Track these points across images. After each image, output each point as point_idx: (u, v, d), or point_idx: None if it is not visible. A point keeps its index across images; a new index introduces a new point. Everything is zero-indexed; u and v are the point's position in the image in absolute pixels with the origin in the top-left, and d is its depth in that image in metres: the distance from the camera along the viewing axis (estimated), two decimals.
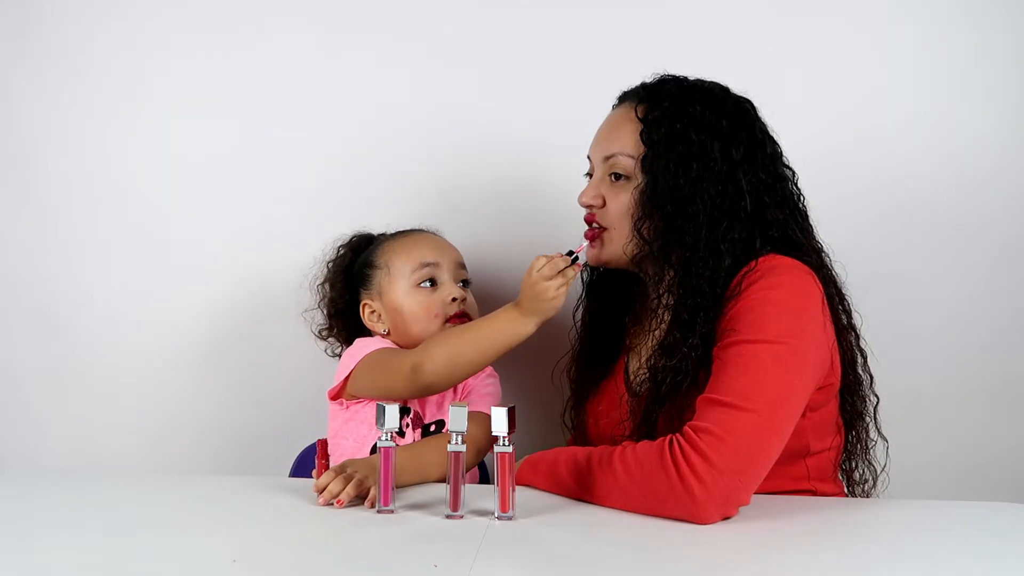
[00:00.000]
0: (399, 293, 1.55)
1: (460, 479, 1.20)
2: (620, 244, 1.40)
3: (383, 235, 1.66)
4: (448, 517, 1.20)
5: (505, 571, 1.04)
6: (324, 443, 1.42)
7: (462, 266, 1.59)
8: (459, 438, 1.20)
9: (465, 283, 1.59)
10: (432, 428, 1.52)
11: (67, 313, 1.91)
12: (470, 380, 1.55)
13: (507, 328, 1.39)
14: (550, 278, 1.35)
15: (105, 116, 1.90)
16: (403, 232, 1.63)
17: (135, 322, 1.90)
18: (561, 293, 1.36)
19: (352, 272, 1.63)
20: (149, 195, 1.90)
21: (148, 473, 1.83)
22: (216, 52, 1.88)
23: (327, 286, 1.65)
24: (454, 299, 1.54)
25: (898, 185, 1.81)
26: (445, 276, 1.56)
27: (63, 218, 1.91)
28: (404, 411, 1.50)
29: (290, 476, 1.69)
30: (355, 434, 1.50)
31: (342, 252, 1.66)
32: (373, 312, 1.58)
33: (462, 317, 1.54)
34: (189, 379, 1.91)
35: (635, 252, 1.38)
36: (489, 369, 1.58)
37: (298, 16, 1.87)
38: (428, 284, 1.55)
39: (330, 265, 1.66)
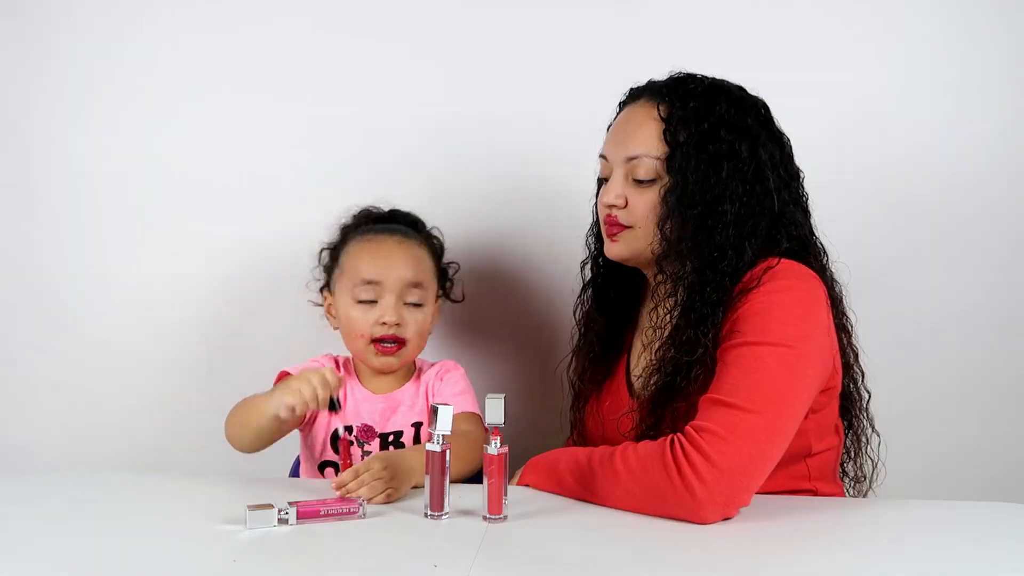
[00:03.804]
0: (342, 299, 1.54)
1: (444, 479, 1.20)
2: (645, 242, 1.39)
3: (393, 213, 1.62)
4: (428, 516, 1.20)
5: (505, 571, 1.04)
6: (347, 443, 1.41)
7: (413, 284, 1.52)
8: (440, 438, 1.19)
9: (416, 304, 1.53)
10: (391, 438, 1.51)
11: (67, 311, 1.91)
12: (434, 383, 1.55)
13: (260, 402, 1.39)
14: (306, 382, 1.32)
15: (105, 115, 1.90)
16: (372, 232, 1.58)
17: (135, 321, 1.90)
18: (295, 393, 1.32)
19: (333, 254, 1.61)
20: (150, 196, 1.90)
21: (148, 473, 1.82)
22: (217, 40, 1.87)
23: (324, 254, 1.63)
24: (384, 323, 1.50)
25: (894, 184, 1.81)
26: (387, 297, 1.51)
27: (62, 214, 1.91)
28: (346, 428, 1.51)
29: (290, 476, 1.68)
30: (306, 455, 1.54)
31: (344, 224, 1.62)
32: (331, 306, 1.58)
33: (387, 343, 1.50)
34: (189, 378, 1.90)
35: (659, 251, 1.38)
36: (451, 364, 1.58)
37: (305, 17, 1.86)
38: (368, 301, 1.51)
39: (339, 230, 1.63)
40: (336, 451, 1.50)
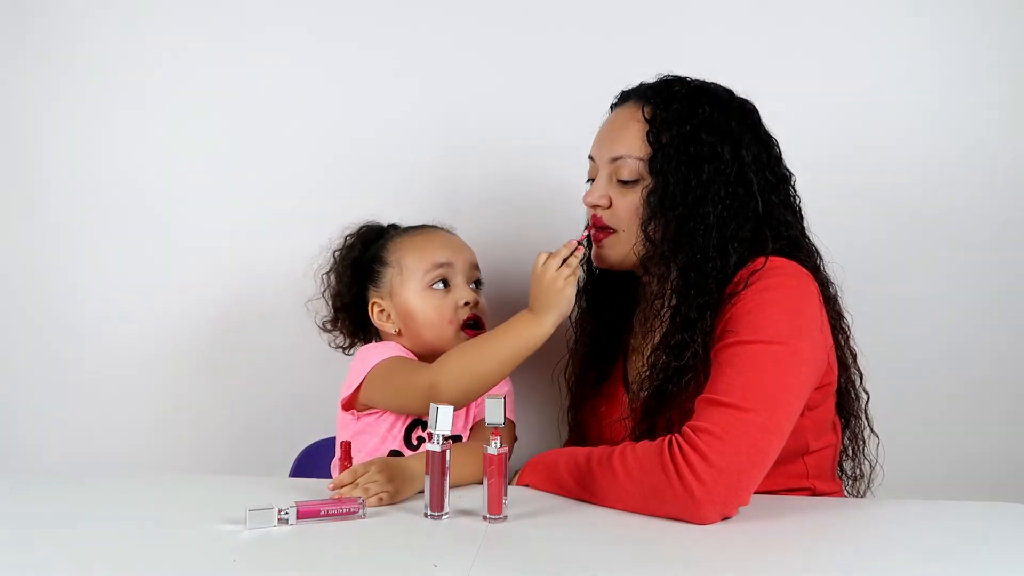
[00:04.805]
0: (411, 294, 1.51)
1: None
2: (629, 245, 1.40)
3: (393, 227, 1.62)
4: (428, 516, 1.20)
5: (505, 571, 1.04)
6: (348, 445, 1.41)
7: (475, 266, 1.55)
8: (440, 438, 1.19)
9: (478, 283, 1.56)
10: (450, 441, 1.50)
11: (67, 312, 1.91)
12: None
13: (523, 333, 1.35)
14: (556, 269, 1.34)
15: (104, 114, 1.90)
16: (416, 228, 1.59)
17: (135, 321, 1.90)
18: (570, 283, 1.35)
19: (361, 265, 1.58)
20: (149, 193, 1.90)
21: (148, 473, 1.83)
22: (217, 47, 1.88)
23: (333, 277, 1.60)
24: (466, 303, 1.50)
25: (890, 184, 1.81)
26: (458, 278, 1.52)
27: (63, 216, 1.91)
28: (421, 423, 1.48)
29: (290, 476, 1.69)
30: (366, 446, 1.47)
31: (351, 242, 1.61)
32: (383, 311, 1.55)
33: (476, 324, 1.51)
34: (189, 379, 1.90)
35: (643, 253, 1.38)
36: None
37: (300, 9, 1.87)
38: (441, 286, 1.51)
39: (337, 255, 1.61)
40: (409, 444, 1.47)
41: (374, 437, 1.47)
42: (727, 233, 1.33)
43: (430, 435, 1.20)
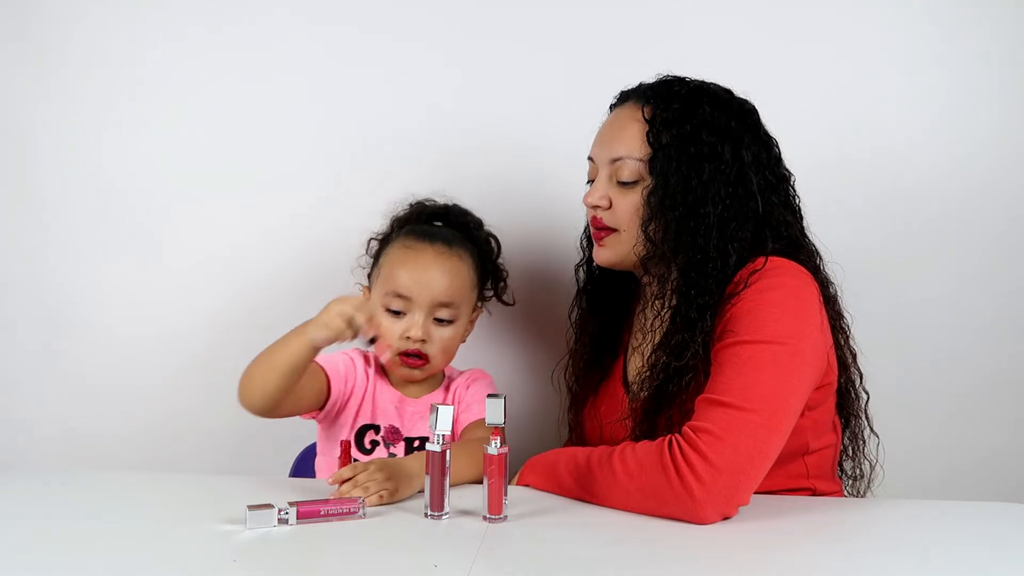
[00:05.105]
0: (375, 302, 1.51)
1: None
2: (629, 245, 1.40)
3: (424, 210, 1.59)
4: (428, 516, 1.20)
5: (505, 571, 1.04)
6: (348, 444, 1.41)
7: (444, 304, 1.48)
8: (440, 438, 1.19)
9: (443, 320, 1.49)
10: (416, 444, 1.50)
11: (67, 312, 1.91)
12: (461, 391, 1.53)
13: (288, 337, 1.34)
14: (344, 314, 1.29)
15: (104, 113, 1.90)
16: (414, 238, 1.53)
17: (135, 322, 1.90)
18: (335, 325, 1.29)
19: (379, 251, 1.58)
20: (150, 194, 1.90)
21: (148, 473, 1.83)
22: (217, 47, 1.88)
23: (373, 244, 1.60)
24: (409, 337, 1.47)
25: (889, 184, 1.82)
26: (416, 313, 1.47)
27: (63, 217, 1.91)
28: (372, 428, 1.50)
29: (290, 476, 1.69)
30: (325, 447, 1.51)
31: (391, 221, 1.59)
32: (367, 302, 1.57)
33: (411, 356, 1.48)
34: (189, 379, 1.90)
35: (644, 253, 1.38)
36: (480, 373, 1.57)
37: (301, 9, 1.87)
38: (394, 312, 1.48)
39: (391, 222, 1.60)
40: (361, 448, 1.49)
41: (327, 442, 1.50)
42: (727, 233, 1.33)
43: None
